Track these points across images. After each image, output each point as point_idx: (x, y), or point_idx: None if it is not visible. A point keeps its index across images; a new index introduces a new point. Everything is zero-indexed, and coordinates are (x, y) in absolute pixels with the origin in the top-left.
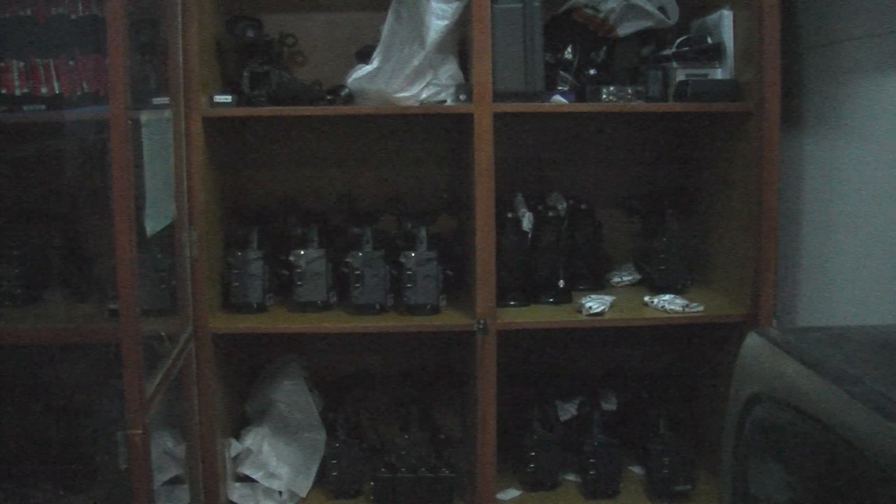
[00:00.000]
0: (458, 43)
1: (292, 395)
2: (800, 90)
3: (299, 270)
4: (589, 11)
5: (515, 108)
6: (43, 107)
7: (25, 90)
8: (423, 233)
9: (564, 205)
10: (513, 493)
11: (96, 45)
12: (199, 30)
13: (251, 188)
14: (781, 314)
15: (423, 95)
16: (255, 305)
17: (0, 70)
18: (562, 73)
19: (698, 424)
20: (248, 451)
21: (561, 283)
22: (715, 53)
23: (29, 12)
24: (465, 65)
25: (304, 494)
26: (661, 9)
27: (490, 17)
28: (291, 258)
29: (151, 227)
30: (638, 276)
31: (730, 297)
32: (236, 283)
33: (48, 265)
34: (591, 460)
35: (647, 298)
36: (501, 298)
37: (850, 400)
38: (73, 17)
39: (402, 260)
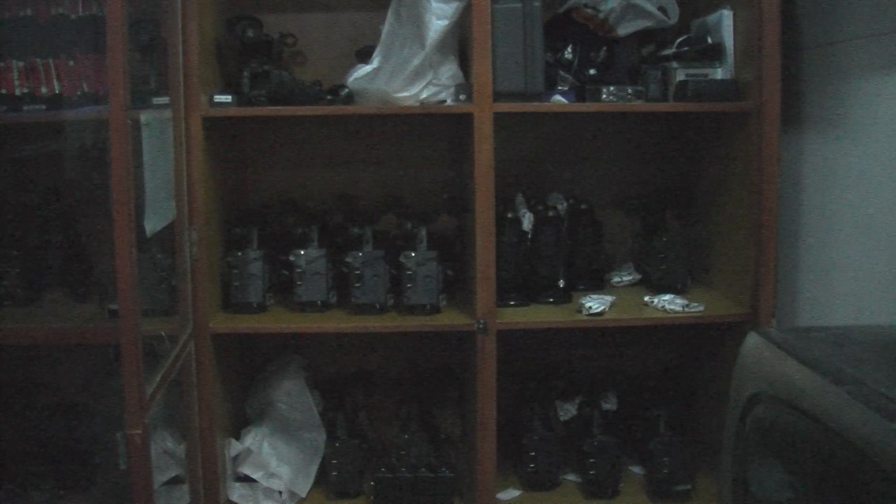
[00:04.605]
0: (458, 43)
1: (292, 395)
2: (800, 90)
3: (299, 270)
4: (589, 11)
5: (515, 108)
6: (43, 107)
7: (25, 90)
8: (423, 233)
9: (564, 205)
10: (513, 493)
11: (96, 45)
12: (199, 30)
13: (251, 188)
14: (781, 314)
15: (423, 95)
16: (255, 305)
17: (0, 70)
18: (562, 73)
19: (698, 424)
20: (248, 451)
21: (561, 283)
22: (715, 53)
23: (29, 12)
24: (465, 65)
25: (304, 494)
26: (661, 9)
27: (490, 17)
28: (291, 258)
29: (151, 227)
30: (638, 276)
31: (730, 297)
32: (236, 283)
33: (48, 265)
34: (591, 460)
35: (647, 298)
36: (501, 298)
37: (850, 400)
38: (73, 17)
39: (402, 260)
